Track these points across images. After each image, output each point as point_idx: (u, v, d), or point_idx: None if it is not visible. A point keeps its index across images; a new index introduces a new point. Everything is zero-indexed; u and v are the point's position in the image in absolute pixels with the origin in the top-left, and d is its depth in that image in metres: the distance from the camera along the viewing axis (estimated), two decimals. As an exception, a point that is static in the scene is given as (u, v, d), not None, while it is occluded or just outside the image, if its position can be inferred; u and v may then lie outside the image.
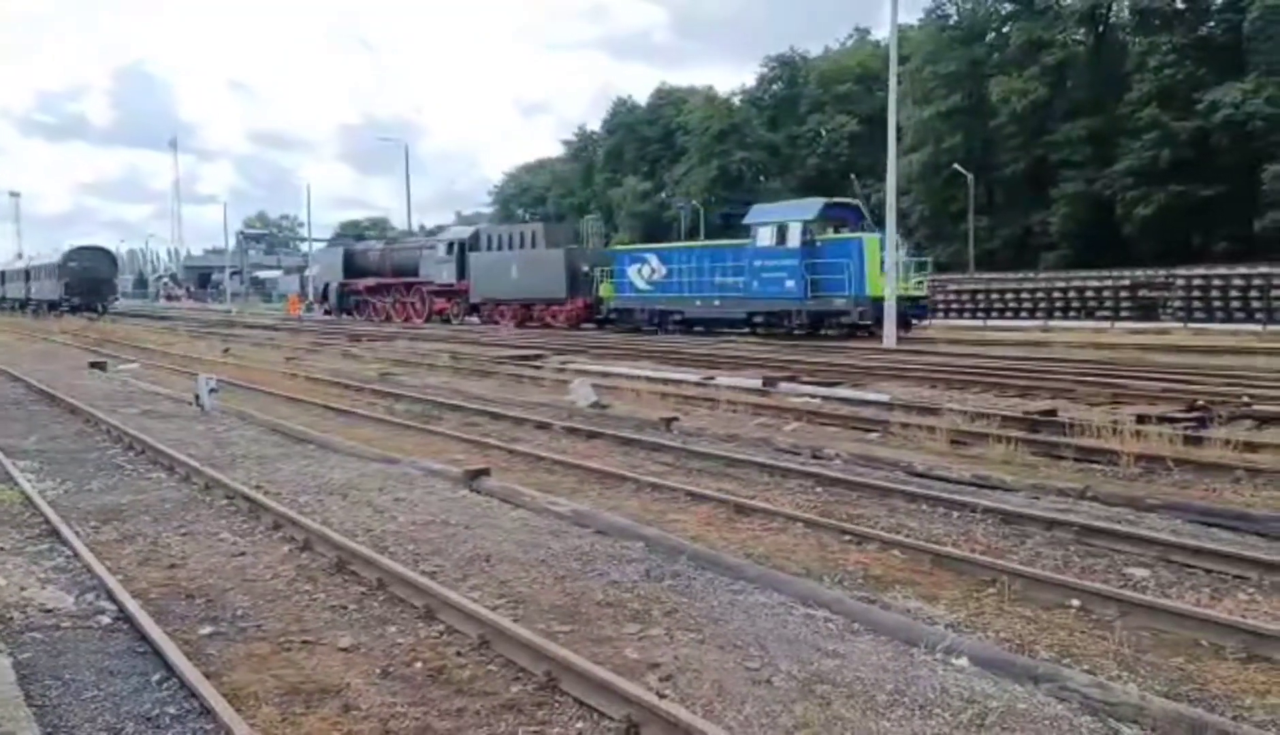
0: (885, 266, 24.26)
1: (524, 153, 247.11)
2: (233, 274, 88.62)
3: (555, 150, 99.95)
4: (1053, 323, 33.84)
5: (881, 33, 68.69)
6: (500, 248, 36.04)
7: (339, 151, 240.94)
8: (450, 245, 38.55)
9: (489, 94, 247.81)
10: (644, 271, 31.32)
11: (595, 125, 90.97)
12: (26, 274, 61.16)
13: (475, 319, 37.44)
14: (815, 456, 9.63)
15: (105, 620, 5.33)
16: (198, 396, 13.72)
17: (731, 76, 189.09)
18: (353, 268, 44.65)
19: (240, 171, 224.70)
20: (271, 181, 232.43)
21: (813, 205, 28.19)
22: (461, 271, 37.24)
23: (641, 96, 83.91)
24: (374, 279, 42.94)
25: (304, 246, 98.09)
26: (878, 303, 24.54)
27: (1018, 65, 50.49)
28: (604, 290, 32.43)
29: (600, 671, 4.22)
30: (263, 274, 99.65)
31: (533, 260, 34.49)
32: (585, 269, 33.20)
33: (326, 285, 46.08)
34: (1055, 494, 7.84)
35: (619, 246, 35.95)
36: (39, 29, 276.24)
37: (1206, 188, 43.63)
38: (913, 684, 4.28)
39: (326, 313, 46.58)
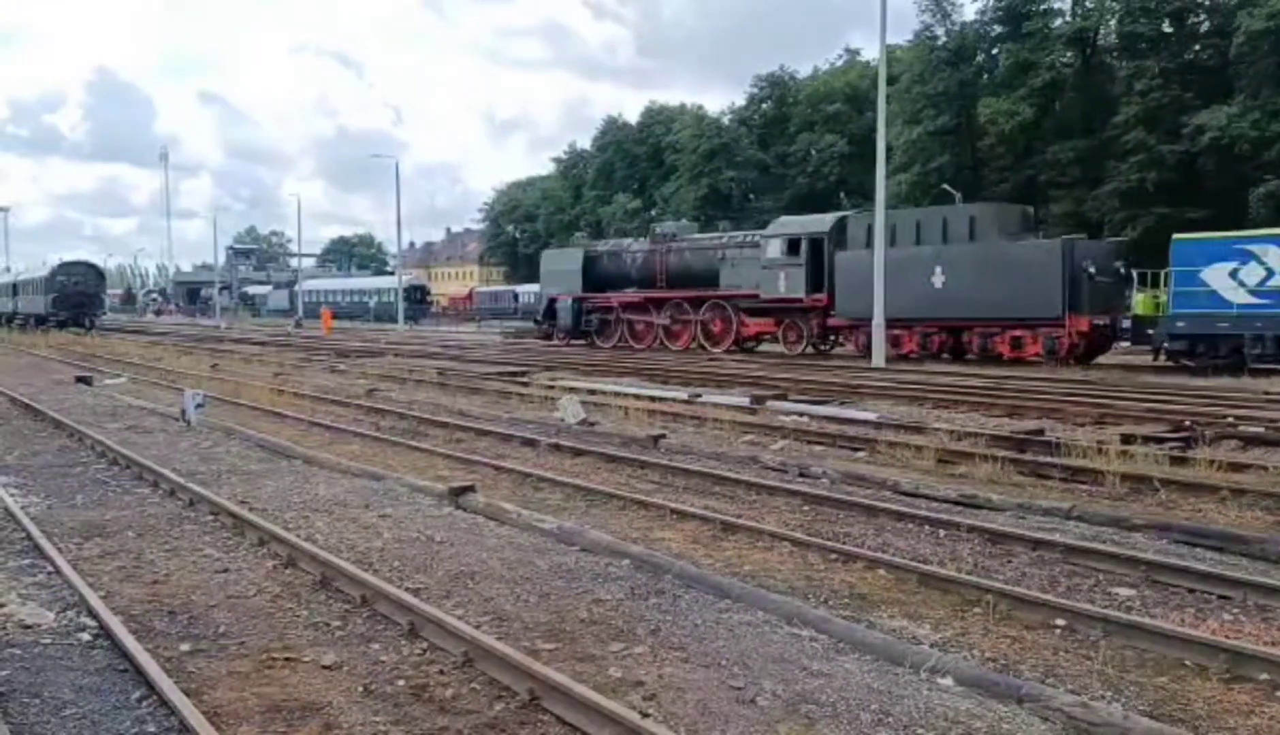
0: (875, 289, 24.07)
1: (504, 168, 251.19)
2: (222, 289, 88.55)
3: (532, 166, 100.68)
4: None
5: (870, 53, 69.15)
6: (895, 242, 24.72)
7: (316, 166, 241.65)
8: (795, 242, 27.01)
9: (463, 110, 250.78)
10: (1248, 274, 20.16)
11: (579, 143, 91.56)
12: (14, 289, 60.93)
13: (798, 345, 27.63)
14: (802, 475, 9.63)
15: (86, 637, 5.29)
16: (184, 411, 13.66)
17: (695, 94, 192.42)
18: (598, 276, 33.33)
19: (220, 186, 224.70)
20: (252, 196, 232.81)
21: None
22: (817, 279, 26.50)
23: (609, 113, 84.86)
24: (636, 291, 31.83)
25: (293, 262, 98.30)
26: None
27: (1006, 86, 50.80)
28: (1143, 304, 22.00)
29: (583, 690, 4.19)
30: (252, 289, 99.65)
31: (981, 259, 23.36)
32: (1091, 271, 22.11)
33: (552, 301, 34.55)
34: (1041, 513, 7.86)
35: (1181, 235, 22.76)
36: (9, 39, 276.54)
37: (1193, 210, 43.90)
38: (897, 704, 4.27)
39: (546, 337, 35.54)
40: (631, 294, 31.92)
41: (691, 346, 29.77)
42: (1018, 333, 23.08)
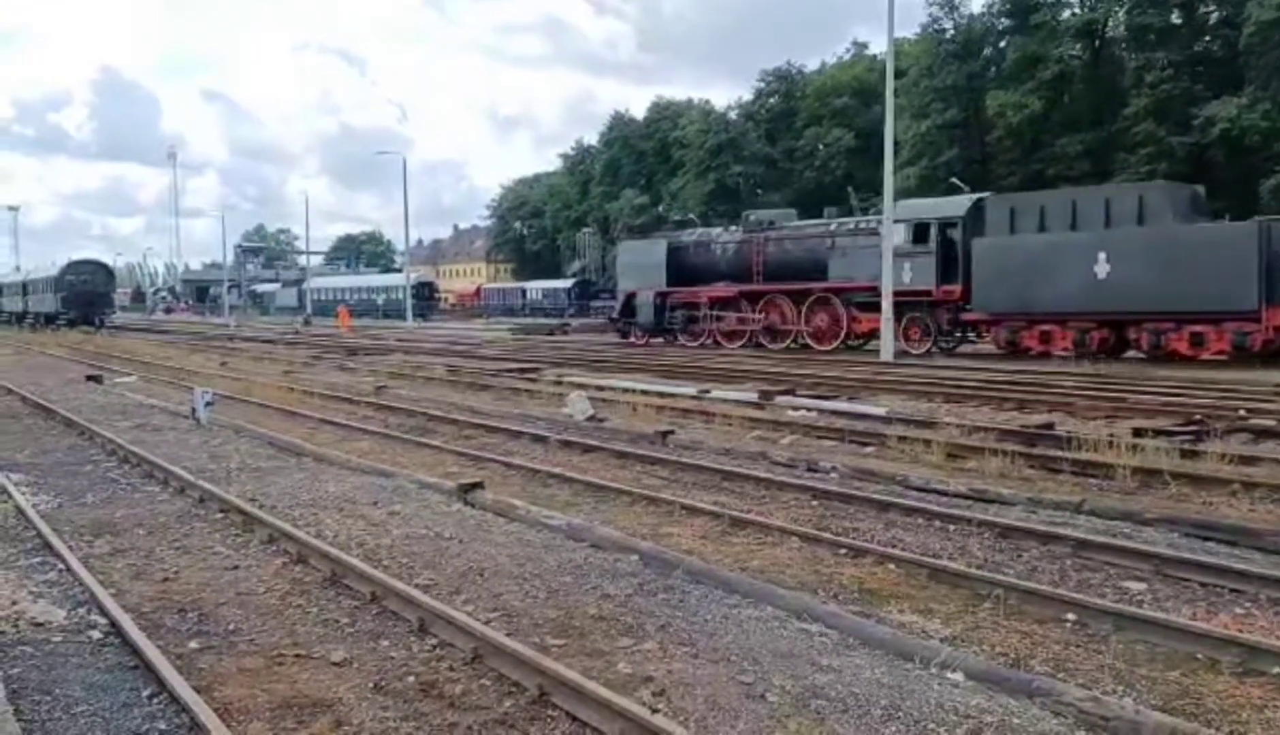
0: (883, 280, 23.94)
1: (509, 165, 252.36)
2: (231, 287, 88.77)
3: (538, 163, 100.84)
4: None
5: (877, 46, 69.06)
6: (1044, 227, 22.58)
7: (321, 164, 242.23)
8: (923, 228, 24.27)
9: (466, 108, 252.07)
10: None
11: (585, 139, 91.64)
12: (24, 287, 61.20)
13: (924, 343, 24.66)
14: (811, 470, 9.61)
15: (96, 634, 5.31)
16: (194, 409, 13.70)
17: (698, 89, 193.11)
18: (684, 269, 30.91)
19: (226, 184, 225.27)
20: (259, 194, 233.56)
21: None
22: (948, 269, 24.00)
23: (612, 110, 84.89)
24: (728, 285, 29.38)
25: (301, 260, 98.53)
26: None
27: (1014, 79, 50.66)
28: None
29: (592, 686, 4.19)
30: (261, 288, 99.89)
31: (1156, 245, 20.67)
32: None
33: (630, 297, 32.17)
34: (1052, 507, 7.83)
35: None
36: (13, 39, 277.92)
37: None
38: (908, 699, 4.26)
39: (623, 335, 33.23)
40: (723, 288, 29.42)
41: (791, 345, 27.65)
42: (1199, 328, 20.49)
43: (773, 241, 28.82)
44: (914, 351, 24.35)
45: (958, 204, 25.16)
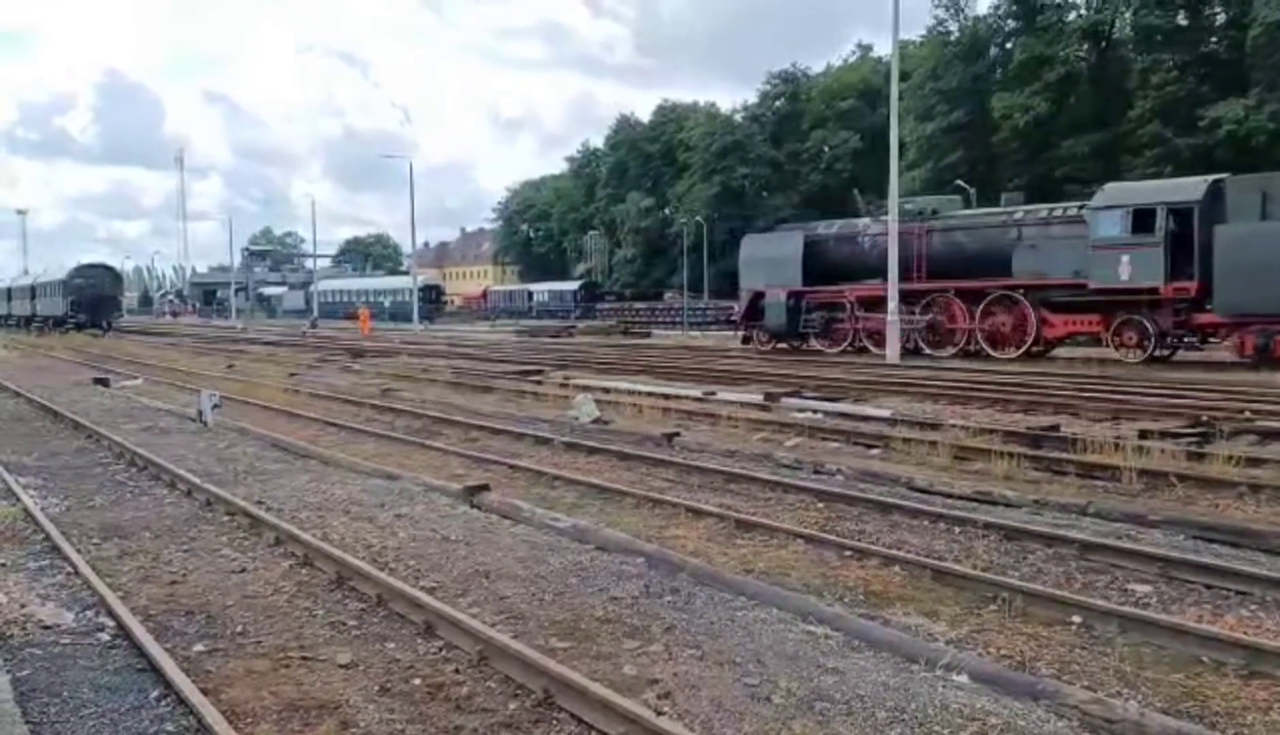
0: (889, 277, 23.86)
1: (514, 167, 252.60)
2: (238, 290, 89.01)
3: (543, 165, 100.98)
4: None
5: (882, 48, 69.06)
6: (1266, 214, 19.39)
7: (325, 167, 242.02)
8: (1146, 214, 20.67)
9: (469, 110, 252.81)
10: None
11: (591, 142, 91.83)
12: (32, 291, 61.39)
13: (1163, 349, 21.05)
14: (817, 472, 9.62)
15: (104, 637, 5.33)
16: (200, 412, 13.75)
17: (697, 91, 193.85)
18: (822, 265, 27.36)
19: (231, 187, 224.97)
20: (263, 197, 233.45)
21: None
22: (1173, 262, 20.33)
23: (613, 113, 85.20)
24: (881, 282, 25.12)
25: (308, 263, 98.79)
26: None
27: (1020, 81, 50.59)
28: None
29: (597, 688, 4.21)
30: (268, 290, 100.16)
31: None
32: None
33: (758, 297, 28.46)
34: (1057, 510, 7.83)
35: None
36: (18, 42, 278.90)
37: (1210, 203, 43.69)
38: (912, 701, 4.26)
39: (746, 341, 30.08)
40: (875, 286, 25.59)
41: (964, 351, 23.89)
42: None
43: (938, 233, 25.07)
44: (1127, 360, 20.97)
45: (1191, 186, 21.28)
